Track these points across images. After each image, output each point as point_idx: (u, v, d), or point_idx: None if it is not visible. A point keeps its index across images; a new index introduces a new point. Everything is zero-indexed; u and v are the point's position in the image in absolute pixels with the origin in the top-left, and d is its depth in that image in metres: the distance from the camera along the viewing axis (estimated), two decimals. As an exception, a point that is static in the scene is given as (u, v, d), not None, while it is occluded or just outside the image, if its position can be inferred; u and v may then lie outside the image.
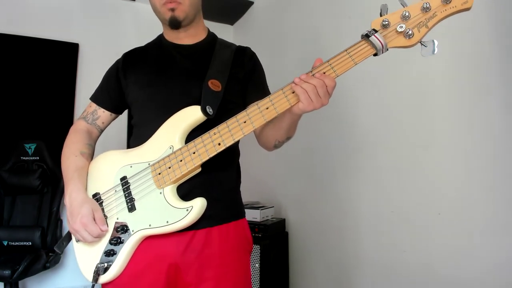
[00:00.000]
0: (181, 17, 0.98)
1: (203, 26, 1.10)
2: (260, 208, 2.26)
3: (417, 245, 1.49)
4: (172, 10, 0.96)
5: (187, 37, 1.05)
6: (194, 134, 0.89)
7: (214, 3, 2.93)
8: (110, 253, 0.86)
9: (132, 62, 1.06)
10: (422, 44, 0.77)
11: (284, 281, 2.28)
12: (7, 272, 1.93)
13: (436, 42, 0.75)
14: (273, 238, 2.19)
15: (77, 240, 0.93)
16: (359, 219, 1.81)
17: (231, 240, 0.94)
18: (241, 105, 1.03)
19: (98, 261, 0.87)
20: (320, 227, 2.09)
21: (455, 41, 1.32)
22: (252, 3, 3.09)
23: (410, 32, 0.76)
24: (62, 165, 0.98)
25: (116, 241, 0.87)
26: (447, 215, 1.37)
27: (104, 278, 0.86)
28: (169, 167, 0.86)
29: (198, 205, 0.84)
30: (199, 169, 0.87)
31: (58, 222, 2.42)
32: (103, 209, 0.91)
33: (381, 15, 0.79)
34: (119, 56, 1.11)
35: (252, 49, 1.11)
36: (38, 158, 2.47)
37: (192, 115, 0.89)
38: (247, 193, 2.68)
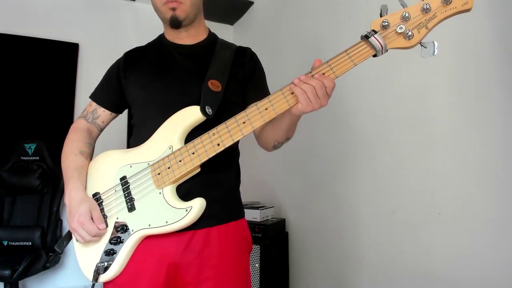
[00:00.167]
0: (182, 17, 0.98)
1: (204, 26, 1.10)
2: (260, 208, 2.26)
3: (417, 245, 1.49)
4: (173, 9, 0.97)
5: (188, 37, 1.05)
6: (194, 134, 0.89)
7: (214, 3, 2.93)
8: (110, 253, 0.87)
9: (133, 61, 1.06)
10: (422, 45, 0.77)
11: (284, 281, 2.28)
12: (7, 272, 1.93)
13: (436, 44, 0.75)
14: (273, 238, 2.19)
15: (77, 240, 0.93)
16: (359, 219, 1.81)
17: (231, 240, 0.94)
18: (241, 106, 1.03)
19: (98, 260, 0.87)
20: (320, 227, 2.10)
21: (455, 40, 1.32)
22: (252, 3, 3.09)
23: (410, 33, 0.76)
24: (62, 163, 0.99)
25: (116, 240, 0.87)
26: (447, 215, 1.37)
27: (104, 277, 0.87)
28: (169, 167, 0.86)
29: (198, 205, 0.84)
30: (198, 170, 0.88)
31: (58, 222, 2.42)
32: (103, 209, 0.91)
33: (381, 16, 0.79)
34: (119, 56, 1.11)
35: (252, 49, 1.11)
36: (38, 158, 2.47)
37: (191, 115, 0.89)
38: (247, 193, 2.68)
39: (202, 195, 0.87)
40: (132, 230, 0.87)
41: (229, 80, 0.98)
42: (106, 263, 0.86)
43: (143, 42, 1.13)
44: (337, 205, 1.96)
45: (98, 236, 0.87)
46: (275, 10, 2.74)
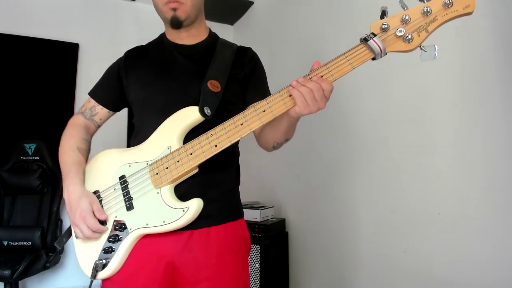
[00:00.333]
0: (183, 17, 0.98)
1: (205, 26, 1.10)
2: (260, 208, 2.26)
3: (417, 246, 1.49)
4: (174, 10, 0.97)
5: (188, 37, 1.05)
6: (193, 133, 0.89)
7: (214, 3, 2.93)
8: (108, 250, 0.88)
9: (134, 61, 1.06)
10: (422, 48, 0.76)
11: (284, 281, 2.28)
12: (7, 272, 1.93)
13: (436, 47, 0.74)
14: (273, 238, 2.19)
15: (77, 236, 0.94)
16: (359, 219, 1.81)
17: (229, 240, 0.94)
18: (241, 106, 1.03)
19: (96, 258, 0.88)
20: (320, 227, 2.10)
21: (455, 40, 1.32)
22: (252, 3, 3.09)
23: (409, 36, 0.75)
24: (59, 158, 1.00)
25: (114, 238, 0.88)
26: (447, 215, 1.37)
27: (102, 274, 0.88)
28: (167, 168, 0.87)
29: (195, 206, 0.85)
30: (196, 170, 0.88)
31: (58, 222, 2.42)
32: (102, 207, 0.92)
33: (381, 18, 0.78)
34: (119, 56, 1.11)
35: (252, 49, 1.11)
36: (38, 158, 2.47)
37: (190, 115, 0.89)
38: (247, 193, 2.69)
39: (200, 196, 0.88)
40: (130, 229, 0.88)
41: (229, 80, 0.98)
42: (104, 261, 0.87)
43: (143, 42, 1.13)
44: (337, 205, 1.96)
45: (98, 231, 0.88)
46: (275, 10, 2.74)
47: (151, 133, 0.93)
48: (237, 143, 0.98)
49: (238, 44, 1.10)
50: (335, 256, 1.97)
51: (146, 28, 2.33)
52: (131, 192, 0.90)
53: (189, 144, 0.86)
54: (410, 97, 1.55)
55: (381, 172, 1.69)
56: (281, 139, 0.96)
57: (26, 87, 2.67)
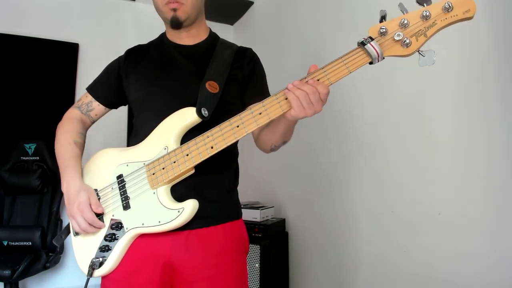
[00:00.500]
0: (183, 18, 0.98)
1: (205, 26, 1.10)
2: (260, 208, 2.26)
3: (417, 245, 1.49)
4: (174, 10, 0.97)
5: (188, 37, 1.05)
6: (191, 134, 0.89)
7: (214, 3, 2.93)
8: (105, 249, 0.89)
9: (134, 60, 1.06)
10: (420, 53, 0.75)
11: (284, 281, 2.28)
12: (7, 272, 1.93)
13: (435, 52, 0.73)
14: (273, 238, 2.19)
15: (75, 234, 0.95)
16: (359, 219, 1.81)
17: (227, 240, 0.94)
18: (240, 107, 1.03)
19: (93, 256, 0.89)
20: (320, 227, 2.10)
21: (455, 40, 1.32)
22: (252, 3, 3.09)
23: (407, 41, 0.74)
24: (56, 152, 1.01)
25: (111, 237, 0.89)
26: (447, 215, 1.37)
27: (98, 272, 0.89)
28: (163, 168, 0.87)
29: (190, 207, 0.85)
30: (193, 171, 0.88)
31: (58, 222, 2.42)
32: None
33: (380, 22, 0.77)
34: (119, 55, 1.11)
35: (252, 49, 1.11)
36: (38, 158, 2.47)
37: (187, 116, 0.90)
38: (247, 193, 2.69)
39: (198, 196, 0.88)
40: (127, 228, 0.88)
41: (228, 81, 0.99)
42: (101, 259, 0.88)
43: (143, 42, 1.13)
44: (337, 205, 1.96)
45: (94, 225, 0.89)
46: (275, 10, 2.74)
47: (149, 133, 0.93)
48: (235, 143, 0.98)
49: (238, 44, 1.10)
50: (335, 256, 1.97)
51: (146, 28, 2.33)
52: (128, 191, 0.91)
53: (185, 145, 0.87)
54: (410, 96, 1.55)
55: (381, 172, 1.69)
56: (278, 142, 0.96)
57: (26, 87, 2.67)
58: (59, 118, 1.11)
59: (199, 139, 0.86)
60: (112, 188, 0.93)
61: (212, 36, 1.10)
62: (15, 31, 2.65)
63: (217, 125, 0.85)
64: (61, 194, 2.56)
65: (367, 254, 1.75)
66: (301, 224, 2.28)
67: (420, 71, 1.49)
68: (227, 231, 0.95)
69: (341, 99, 1.89)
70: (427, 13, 0.73)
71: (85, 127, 1.10)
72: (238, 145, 1.06)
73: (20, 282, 2.20)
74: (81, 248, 0.94)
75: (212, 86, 0.94)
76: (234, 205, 1.02)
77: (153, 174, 0.88)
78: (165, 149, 0.89)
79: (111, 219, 0.90)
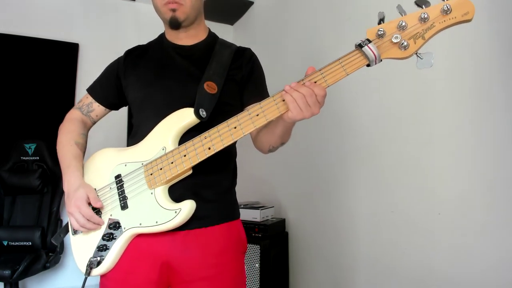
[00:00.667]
0: (182, 18, 0.98)
1: (204, 26, 1.10)
2: (260, 208, 2.25)
3: (417, 245, 1.49)
4: (173, 10, 0.97)
5: (187, 38, 1.05)
6: (190, 134, 0.89)
7: (214, 3, 2.93)
8: (102, 248, 0.89)
9: (133, 61, 1.06)
10: (418, 56, 0.74)
11: (284, 281, 2.28)
12: (7, 272, 1.93)
13: (433, 55, 0.72)
14: (273, 238, 2.19)
15: (74, 233, 0.96)
16: (359, 219, 1.81)
17: (225, 240, 0.95)
18: (238, 107, 1.03)
19: (91, 255, 0.90)
20: (320, 227, 2.10)
21: (455, 40, 1.32)
22: (252, 3, 3.09)
23: (405, 43, 0.73)
24: (58, 152, 1.02)
25: (109, 237, 0.89)
26: (447, 215, 1.37)
27: (96, 272, 0.89)
28: (161, 168, 0.88)
29: (187, 207, 0.85)
30: (190, 172, 0.89)
31: (58, 222, 2.42)
32: None
33: (378, 23, 0.77)
34: (119, 56, 1.11)
35: (252, 49, 1.11)
36: (38, 158, 2.47)
37: (185, 117, 0.90)
38: (247, 193, 2.69)
39: (195, 196, 0.88)
40: (124, 228, 0.89)
41: (226, 81, 0.99)
42: (99, 258, 0.89)
43: (143, 42, 1.14)
44: (337, 205, 1.96)
45: (91, 220, 0.90)
46: (275, 10, 2.74)
47: (148, 134, 0.94)
48: (233, 144, 0.98)
49: (238, 44, 1.10)
50: (335, 256, 1.97)
51: (146, 28, 2.32)
52: (126, 191, 0.91)
53: (183, 146, 0.87)
54: (409, 97, 1.55)
55: (381, 172, 1.69)
56: (276, 143, 0.96)
57: (26, 87, 2.67)
58: (59, 118, 1.11)
59: (196, 139, 0.86)
60: (110, 188, 0.93)
61: (211, 37, 1.10)
62: (15, 31, 2.66)
63: (215, 125, 0.85)
64: (61, 194, 2.57)
65: (367, 253, 1.75)
66: (301, 224, 2.28)
67: (418, 73, 1.49)
68: (225, 231, 0.95)
69: (339, 101, 1.89)
70: (426, 15, 0.73)
71: (86, 127, 1.11)
72: (238, 145, 1.06)
73: (20, 282, 2.20)
74: (79, 247, 0.94)
75: (210, 87, 0.95)
76: (232, 205, 1.02)
77: (151, 174, 0.88)
78: (163, 149, 0.89)
79: (109, 219, 0.91)
